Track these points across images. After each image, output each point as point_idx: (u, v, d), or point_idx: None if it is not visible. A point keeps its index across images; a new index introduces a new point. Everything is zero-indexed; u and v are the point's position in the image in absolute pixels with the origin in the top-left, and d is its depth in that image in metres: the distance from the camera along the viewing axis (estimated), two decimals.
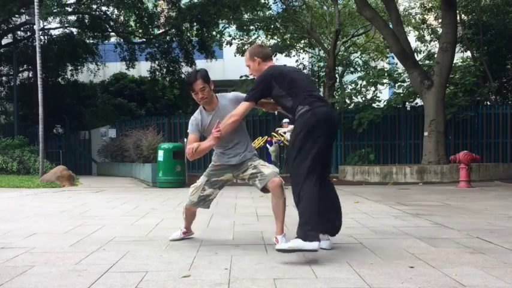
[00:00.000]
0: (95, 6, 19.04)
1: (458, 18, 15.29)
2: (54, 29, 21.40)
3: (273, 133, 12.23)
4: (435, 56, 13.69)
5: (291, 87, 3.33)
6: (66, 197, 8.05)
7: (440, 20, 14.68)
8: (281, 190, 3.30)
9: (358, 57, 21.28)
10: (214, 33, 20.05)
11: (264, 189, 3.41)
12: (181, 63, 21.08)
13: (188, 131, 3.60)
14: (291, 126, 12.15)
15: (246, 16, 17.91)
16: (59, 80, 22.44)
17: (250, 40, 19.28)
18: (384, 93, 17.75)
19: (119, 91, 23.51)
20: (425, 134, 12.12)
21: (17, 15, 19.34)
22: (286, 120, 12.54)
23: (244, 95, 3.52)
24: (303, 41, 20.60)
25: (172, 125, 17.54)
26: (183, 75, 21.50)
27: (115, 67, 24.84)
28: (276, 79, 3.37)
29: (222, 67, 23.49)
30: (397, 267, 2.91)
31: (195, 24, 19.47)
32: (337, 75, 18.25)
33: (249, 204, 6.35)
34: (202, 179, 3.60)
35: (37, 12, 12.83)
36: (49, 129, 21.07)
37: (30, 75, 22.08)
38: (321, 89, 19.20)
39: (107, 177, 15.19)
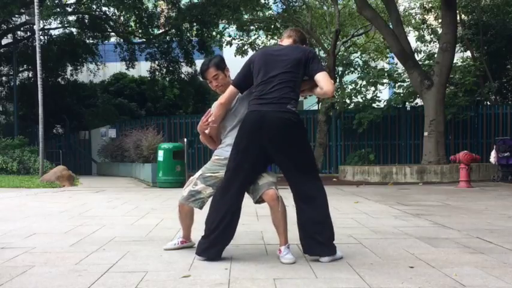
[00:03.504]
0: (95, 7, 19.04)
1: (458, 18, 15.28)
2: (54, 29, 21.42)
3: None
4: (435, 56, 13.69)
5: (256, 77, 3.04)
6: (66, 197, 8.05)
7: (440, 20, 14.67)
8: (277, 202, 3.05)
9: (358, 57, 21.27)
10: (214, 33, 20.04)
11: (260, 199, 3.14)
12: (181, 63, 21.09)
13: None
14: None
15: (246, 16, 17.90)
16: (59, 80, 22.49)
17: (250, 40, 19.28)
18: (384, 93, 17.75)
19: (118, 91, 23.52)
20: (425, 134, 12.12)
21: (17, 15, 19.36)
22: None
23: None
24: None
25: (172, 125, 17.55)
26: (183, 75, 21.52)
27: (115, 67, 24.84)
28: (254, 64, 3.07)
29: None
30: (397, 267, 2.91)
31: (195, 24, 19.46)
32: (337, 75, 18.23)
33: (249, 204, 6.33)
34: (197, 173, 3.39)
35: (37, 12, 12.83)
36: (49, 129, 21.09)
37: (30, 75, 22.11)
38: None
39: (107, 177, 15.20)
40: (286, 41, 3.24)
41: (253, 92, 3.10)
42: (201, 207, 3.32)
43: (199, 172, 3.36)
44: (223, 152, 3.28)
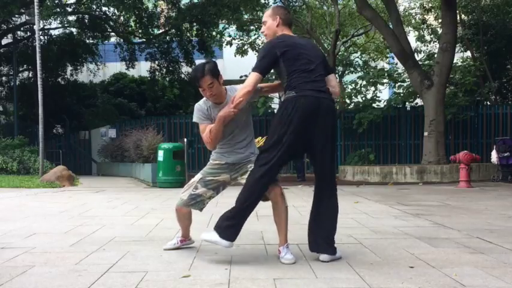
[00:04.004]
0: (94, 7, 19.05)
1: (458, 18, 15.29)
2: (54, 29, 21.43)
3: None
4: (435, 56, 13.69)
5: (291, 64, 3.02)
6: (66, 197, 8.05)
7: (440, 20, 14.68)
8: (281, 199, 3.07)
9: (358, 57, 21.29)
10: (214, 33, 20.05)
11: (264, 197, 3.11)
12: (181, 63, 21.09)
13: (196, 120, 3.30)
14: None
15: (246, 16, 17.91)
16: (59, 80, 22.49)
17: (250, 40, 19.30)
18: (384, 93, 17.77)
19: (118, 91, 23.53)
20: (425, 134, 12.12)
21: (17, 15, 19.36)
22: None
23: None
24: None
25: (172, 125, 17.56)
26: (183, 75, 21.52)
27: (115, 67, 24.85)
28: (287, 51, 3.03)
29: (221, 67, 23.13)
30: (397, 267, 2.91)
31: (195, 24, 19.47)
32: (337, 75, 18.24)
33: None
34: (196, 177, 3.31)
35: (37, 12, 12.83)
36: (49, 129, 21.09)
37: (30, 75, 22.12)
38: None
39: (107, 177, 15.20)
40: (285, 31, 3.20)
41: (285, 76, 3.05)
42: (201, 210, 3.31)
43: (199, 176, 3.29)
44: (222, 157, 3.24)
